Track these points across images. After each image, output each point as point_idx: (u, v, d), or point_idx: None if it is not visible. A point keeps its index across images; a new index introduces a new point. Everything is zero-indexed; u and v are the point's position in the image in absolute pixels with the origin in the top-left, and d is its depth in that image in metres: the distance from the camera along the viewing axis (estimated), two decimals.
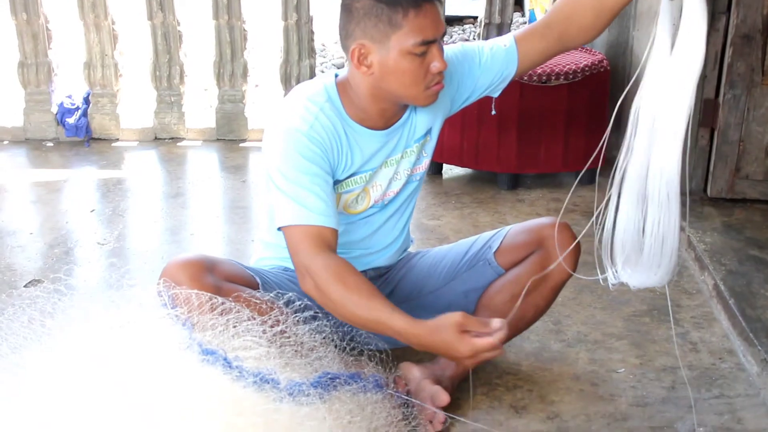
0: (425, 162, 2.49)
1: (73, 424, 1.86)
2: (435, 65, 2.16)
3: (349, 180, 2.34)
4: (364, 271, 2.50)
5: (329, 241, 2.15)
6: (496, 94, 2.50)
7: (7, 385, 1.97)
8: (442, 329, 1.98)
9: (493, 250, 2.54)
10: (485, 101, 2.68)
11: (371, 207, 2.43)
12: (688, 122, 1.98)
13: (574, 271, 2.47)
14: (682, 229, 2.08)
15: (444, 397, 2.30)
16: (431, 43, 2.14)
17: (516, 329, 2.50)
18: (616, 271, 2.16)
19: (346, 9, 2.19)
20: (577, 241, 2.43)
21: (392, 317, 2.03)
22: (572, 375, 2.62)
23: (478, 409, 2.44)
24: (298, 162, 2.18)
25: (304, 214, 2.14)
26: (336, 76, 2.33)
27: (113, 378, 1.92)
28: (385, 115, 2.32)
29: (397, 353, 2.38)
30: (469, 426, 2.34)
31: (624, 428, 2.36)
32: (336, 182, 2.32)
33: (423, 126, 2.41)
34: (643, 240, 2.10)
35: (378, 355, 2.24)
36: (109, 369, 1.94)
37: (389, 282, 2.62)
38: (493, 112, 3.42)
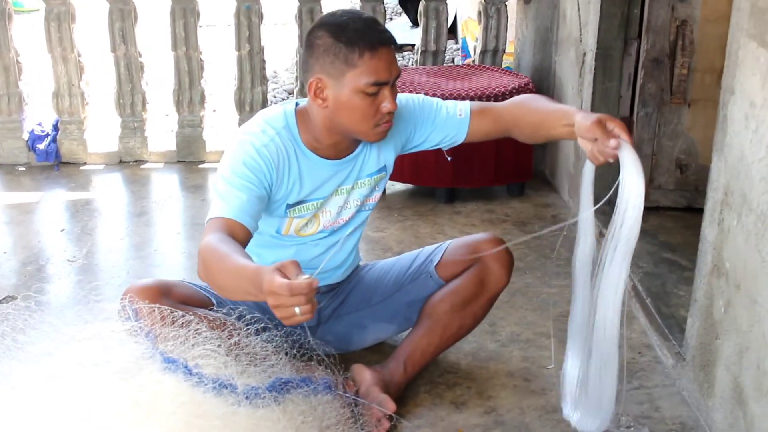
0: (376, 195, 2.48)
1: (45, 429, 1.82)
2: (385, 105, 2.14)
3: (300, 206, 2.30)
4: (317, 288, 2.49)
5: (234, 232, 2.01)
6: (445, 149, 2.51)
7: None
8: (265, 268, 1.72)
9: (434, 263, 2.54)
10: None
11: (320, 231, 2.40)
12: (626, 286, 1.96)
13: (508, 280, 2.49)
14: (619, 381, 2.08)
15: (390, 406, 2.27)
16: (383, 84, 2.12)
17: (456, 337, 2.53)
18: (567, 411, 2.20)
19: (309, 44, 2.16)
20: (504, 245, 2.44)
21: (240, 262, 1.82)
22: (507, 372, 2.62)
23: (421, 406, 2.43)
24: (239, 168, 2.14)
25: (223, 208, 2.06)
26: (297, 105, 2.30)
27: (82, 386, 1.88)
28: (338, 146, 2.29)
29: (344, 357, 2.37)
30: (414, 422, 2.34)
31: (554, 419, 2.36)
32: (288, 206, 2.28)
33: (376, 162, 2.39)
34: (585, 388, 2.11)
35: (326, 359, 2.23)
36: (78, 378, 1.90)
37: (339, 294, 2.60)
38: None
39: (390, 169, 2.45)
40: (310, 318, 1.66)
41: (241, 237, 2.02)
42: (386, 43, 2.13)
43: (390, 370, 2.42)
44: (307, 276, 1.67)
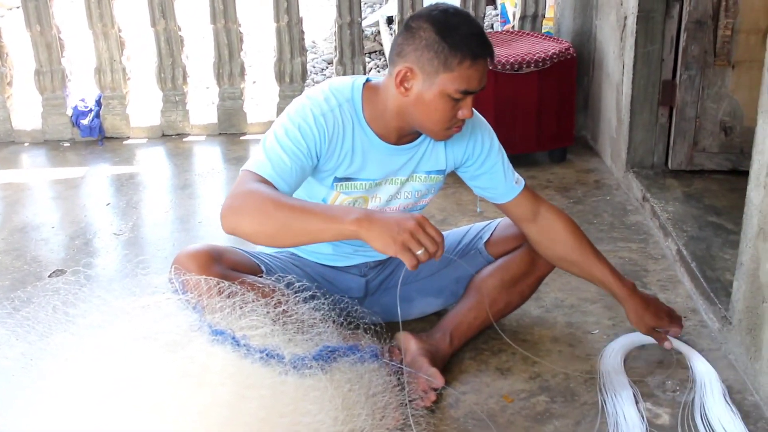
0: (430, 197, 2.45)
1: (97, 400, 1.85)
2: (463, 112, 2.13)
3: (348, 183, 2.27)
4: (365, 263, 2.54)
5: None
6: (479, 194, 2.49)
7: (36, 370, 1.96)
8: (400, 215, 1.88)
9: (484, 240, 2.57)
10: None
11: None
12: None
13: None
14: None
15: (440, 380, 2.27)
16: (470, 93, 2.12)
17: (502, 313, 2.56)
18: None
19: (410, 31, 2.11)
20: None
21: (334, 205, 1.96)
22: (551, 338, 2.61)
23: (466, 372, 2.43)
24: (293, 131, 2.12)
25: (264, 166, 2.07)
26: (367, 80, 2.26)
27: (132, 358, 1.90)
28: (400, 132, 2.25)
29: (390, 325, 2.37)
30: (459, 389, 2.34)
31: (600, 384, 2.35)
32: (335, 179, 2.25)
33: (438, 162, 2.36)
34: None
35: (372, 327, 2.23)
36: (128, 351, 1.92)
37: (388, 267, 2.59)
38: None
39: (445, 176, 2.43)
40: (423, 261, 1.82)
41: None
42: (486, 55, 2.11)
43: (436, 340, 2.43)
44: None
